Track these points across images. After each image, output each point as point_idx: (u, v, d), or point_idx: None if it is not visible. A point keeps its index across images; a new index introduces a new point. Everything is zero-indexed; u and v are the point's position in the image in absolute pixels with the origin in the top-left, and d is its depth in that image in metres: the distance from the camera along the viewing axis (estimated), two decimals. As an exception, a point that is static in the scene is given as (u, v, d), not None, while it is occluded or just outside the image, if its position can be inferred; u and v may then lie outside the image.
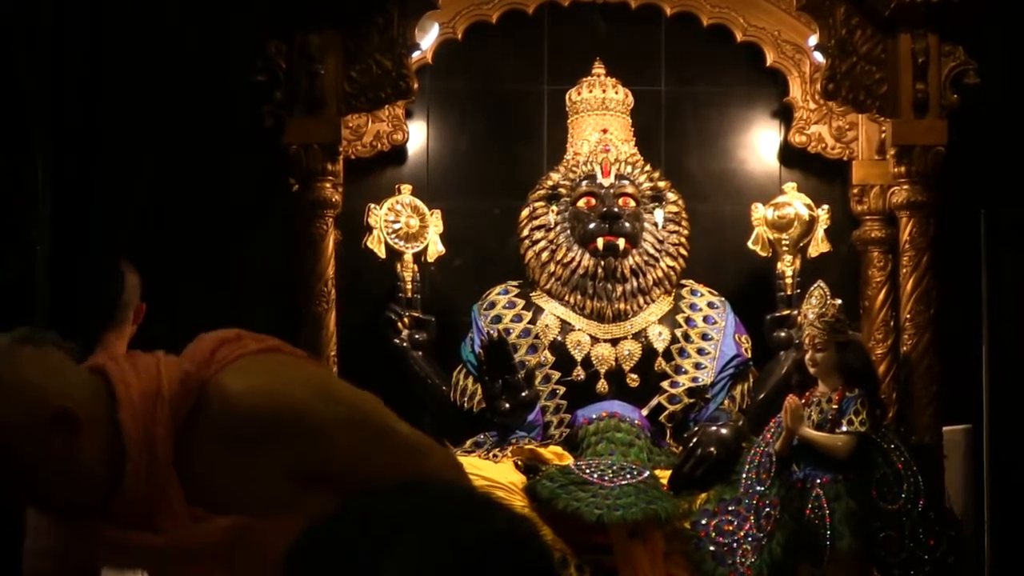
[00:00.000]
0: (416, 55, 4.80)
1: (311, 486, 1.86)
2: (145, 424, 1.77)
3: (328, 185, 4.66)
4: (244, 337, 1.90)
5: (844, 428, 4.18)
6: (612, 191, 4.70)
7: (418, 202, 4.85)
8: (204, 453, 1.80)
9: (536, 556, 1.10)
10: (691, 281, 4.83)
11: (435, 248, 4.86)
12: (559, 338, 4.67)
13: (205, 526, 1.81)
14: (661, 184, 4.79)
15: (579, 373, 4.63)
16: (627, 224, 4.67)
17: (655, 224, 4.74)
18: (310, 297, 4.60)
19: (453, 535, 1.07)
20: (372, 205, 4.80)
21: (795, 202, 4.86)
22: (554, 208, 4.75)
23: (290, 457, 1.83)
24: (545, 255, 4.72)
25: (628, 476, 4.21)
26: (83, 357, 1.88)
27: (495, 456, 4.35)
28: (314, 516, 1.82)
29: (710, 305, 4.76)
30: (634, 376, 4.64)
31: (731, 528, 4.13)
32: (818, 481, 4.15)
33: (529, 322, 4.70)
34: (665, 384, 4.64)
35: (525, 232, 4.76)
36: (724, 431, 4.33)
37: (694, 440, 4.31)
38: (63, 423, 1.73)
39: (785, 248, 4.84)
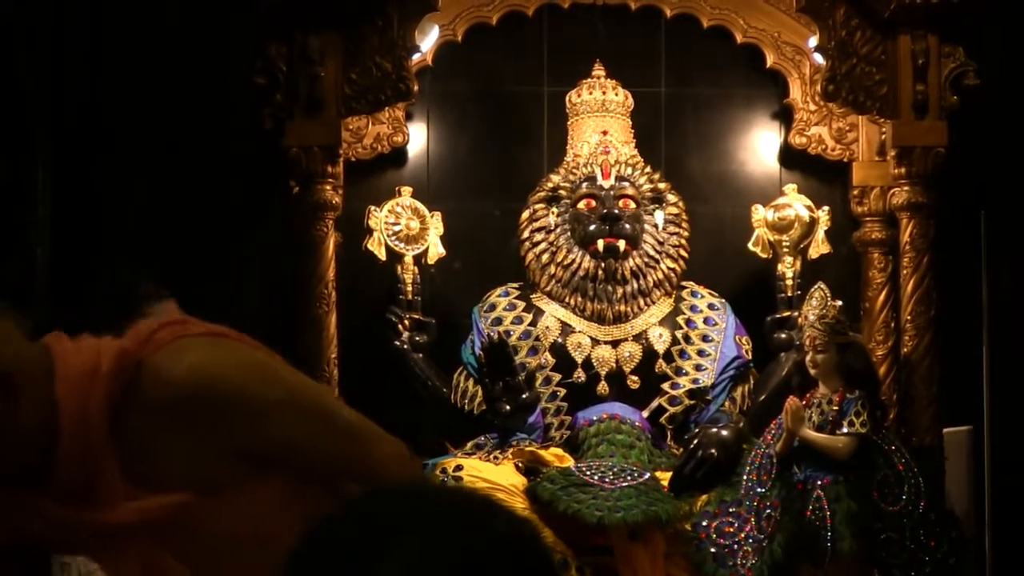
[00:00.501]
0: (416, 57, 4.81)
1: (254, 467, 1.87)
2: (80, 399, 1.78)
3: (328, 187, 4.66)
4: (188, 321, 1.91)
5: (845, 429, 4.18)
6: (612, 193, 4.69)
7: (418, 204, 4.85)
8: (141, 431, 1.82)
9: (537, 558, 1.10)
10: (691, 283, 4.82)
11: (436, 250, 4.85)
12: (559, 340, 4.66)
13: (142, 503, 1.82)
14: (661, 186, 4.79)
15: (580, 375, 4.63)
16: (627, 226, 4.66)
17: (655, 226, 4.73)
18: (311, 299, 4.60)
19: (454, 537, 1.07)
20: (372, 207, 4.79)
21: (795, 203, 4.86)
22: (554, 210, 4.74)
23: (226, 436, 1.84)
24: (545, 257, 4.72)
25: (629, 478, 4.21)
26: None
27: (496, 458, 4.34)
28: (259, 498, 1.83)
29: (710, 307, 4.76)
30: (635, 378, 4.63)
31: (732, 530, 4.13)
32: (819, 483, 4.15)
33: (530, 324, 4.70)
34: (666, 386, 4.63)
35: (525, 234, 4.76)
36: (725, 433, 4.33)
37: (695, 442, 4.31)
38: (1, 386, 1.75)
39: (785, 250, 4.84)
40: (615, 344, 4.66)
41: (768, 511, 4.11)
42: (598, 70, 4.91)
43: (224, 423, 1.83)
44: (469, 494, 1.17)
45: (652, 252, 4.70)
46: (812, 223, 4.84)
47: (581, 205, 4.71)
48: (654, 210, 4.75)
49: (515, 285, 4.81)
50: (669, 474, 4.29)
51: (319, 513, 1.13)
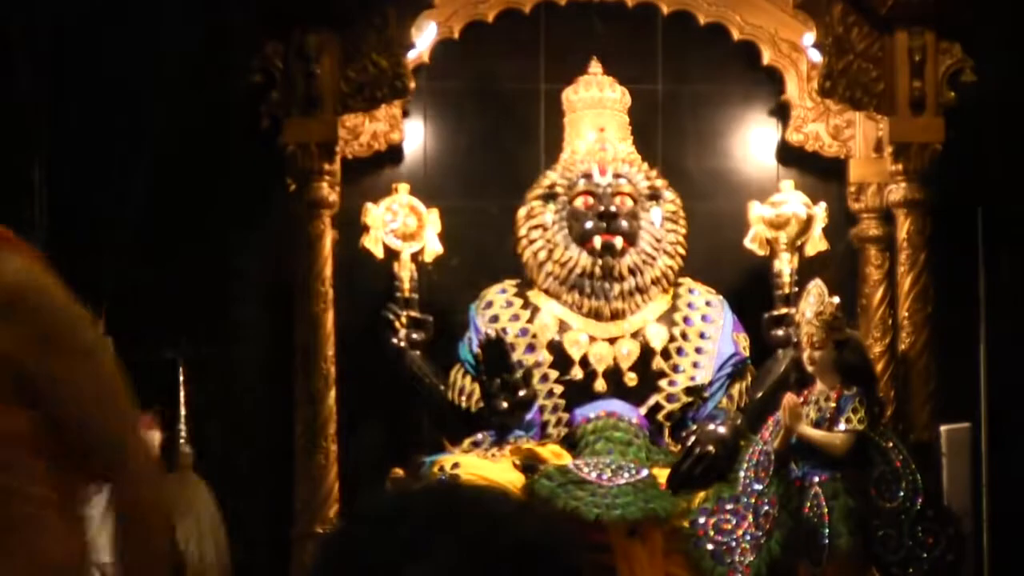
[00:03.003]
0: (413, 55, 4.80)
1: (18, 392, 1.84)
2: None
3: (325, 185, 4.66)
4: None
5: (842, 426, 4.18)
6: (609, 190, 4.69)
7: (415, 201, 4.84)
8: None
9: (569, 561, 1.10)
10: (688, 280, 4.82)
11: (433, 247, 4.85)
12: (557, 337, 4.66)
13: None
14: (658, 183, 4.79)
15: (577, 372, 4.63)
16: (624, 223, 4.66)
17: (652, 223, 4.73)
18: (308, 297, 4.59)
19: (486, 540, 1.07)
20: (369, 204, 4.79)
21: (792, 200, 4.86)
22: (551, 207, 4.74)
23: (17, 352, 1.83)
24: (543, 254, 4.71)
25: (627, 475, 4.21)
26: None
27: (493, 455, 4.35)
28: (7, 426, 1.81)
29: (708, 304, 4.76)
30: (632, 375, 4.63)
31: (729, 527, 4.14)
32: (816, 479, 4.15)
33: (527, 321, 4.69)
34: (663, 383, 4.63)
35: (523, 231, 4.75)
36: (722, 430, 4.34)
37: (692, 439, 4.32)
38: None
39: (783, 246, 4.84)
40: (612, 341, 4.66)
41: (766, 508, 4.12)
42: (595, 67, 4.91)
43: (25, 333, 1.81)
44: (502, 495, 1.16)
45: (649, 249, 4.70)
46: (809, 220, 4.85)
47: (578, 202, 4.70)
48: (651, 207, 4.75)
49: (512, 282, 4.80)
50: (667, 471, 4.29)
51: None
